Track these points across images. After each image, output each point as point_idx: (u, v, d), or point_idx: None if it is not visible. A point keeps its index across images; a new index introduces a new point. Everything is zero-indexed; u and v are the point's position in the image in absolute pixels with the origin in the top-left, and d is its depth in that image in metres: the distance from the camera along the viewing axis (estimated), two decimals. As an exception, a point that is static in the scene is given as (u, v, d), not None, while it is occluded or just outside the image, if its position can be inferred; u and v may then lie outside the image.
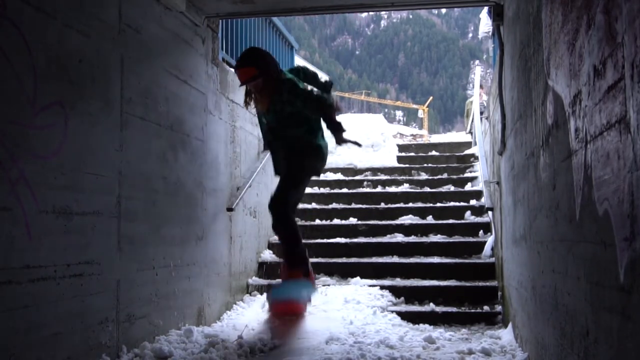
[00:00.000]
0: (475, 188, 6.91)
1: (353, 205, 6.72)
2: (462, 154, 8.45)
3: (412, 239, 5.80)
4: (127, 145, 3.28)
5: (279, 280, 4.58)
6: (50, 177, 2.62)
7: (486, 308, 4.62)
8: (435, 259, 5.38)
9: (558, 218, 2.15)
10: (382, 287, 4.90)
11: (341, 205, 6.71)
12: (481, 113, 7.12)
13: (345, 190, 7.28)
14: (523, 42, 2.99)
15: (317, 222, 6.40)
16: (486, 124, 6.19)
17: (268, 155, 6.01)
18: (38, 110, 2.57)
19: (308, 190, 6.30)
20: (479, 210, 6.22)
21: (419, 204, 6.61)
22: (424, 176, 7.63)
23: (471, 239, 5.71)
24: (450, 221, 6.12)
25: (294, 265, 4.20)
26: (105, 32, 3.10)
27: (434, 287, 4.91)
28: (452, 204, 6.57)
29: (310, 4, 4.48)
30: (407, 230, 5.99)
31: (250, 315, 4.54)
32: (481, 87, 10.51)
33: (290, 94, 4.06)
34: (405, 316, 4.47)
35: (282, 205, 4.16)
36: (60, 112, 2.72)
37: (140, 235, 3.42)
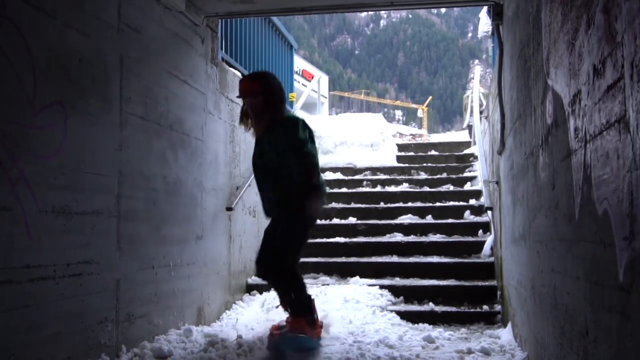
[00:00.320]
0: (474, 187, 6.91)
1: (352, 205, 6.72)
2: (461, 153, 8.45)
3: (412, 238, 5.81)
4: (126, 145, 3.28)
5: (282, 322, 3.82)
6: (50, 177, 2.62)
7: (485, 307, 4.62)
8: (435, 259, 5.39)
9: (557, 217, 2.15)
10: (382, 287, 4.90)
11: (340, 205, 6.72)
12: (480, 112, 7.11)
13: (344, 189, 7.28)
14: (522, 41, 2.99)
15: (317, 221, 6.38)
16: (485, 123, 6.19)
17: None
18: (38, 110, 2.56)
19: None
20: (478, 210, 6.22)
21: (419, 204, 6.61)
22: (423, 176, 7.63)
23: (470, 239, 5.71)
24: (450, 221, 6.13)
25: (297, 312, 3.64)
26: (104, 31, 3.10)
27: (433, 286, 4.91)
28: (451, 203, 6.57)
29: (310, 3, 4.48)
30: (406, 229, 5.99)
31: (249, 314, 4.54)
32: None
33: (287, 133, 3.60)
34: (405, 315, 4.47)
35: (280, 262, 3.62)
36: (60, 112, 2.72)
37: (140, 234, 3.42)
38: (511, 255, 3.79)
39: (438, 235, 5.85)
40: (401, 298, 4.82)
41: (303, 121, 3.70)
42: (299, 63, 22.90)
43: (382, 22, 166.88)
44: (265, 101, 3.67)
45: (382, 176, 7.69)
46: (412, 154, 8.85)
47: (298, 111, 7.69)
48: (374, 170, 7.95)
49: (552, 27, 2.16)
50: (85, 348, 2.86)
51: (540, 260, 2.56)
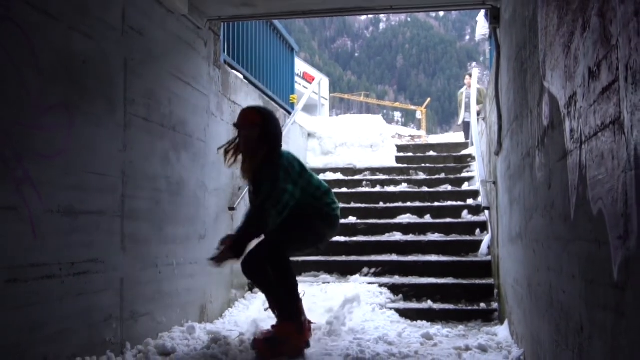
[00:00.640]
0: (472, 188, 6.91)
1: (352, 205, 6.72)
2: (459, 154, 8.45)
3: (411, 237, 5.81)
4: (130, 146, 3.28)
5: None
6: (55, 177, 2.62)
7: (483, 305, 4.61)
8: (433, 257, 5.38)
9: (553, 217, 2.15)
10: (381, 285, 4.90)
11: (341, 205, 6.67)
12: (478, 113, 7.12)
13: (344, 189, 7.28)
14: (519, 44, 2.99)
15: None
16: (483, 124, 6.18)
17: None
18: (43, 111, 2.56)
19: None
20: (475, 210, 6.22)
21: (417, 203, 6.61)
22: (422, 176, 7.63)
23: (468, 238, 5.71)
24: (448, 220, 6.13)
25: (285, 317, 3.40)
26: (109, 34, 3.10)
27: (431, 284, 4.91)
28: (449, 203, 6.57)
29: (310, 7, 4.48)
30: (405, 229, 5.99)
31: (251, 312, 4.54)
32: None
33: (268, 172, 3.36)
34: (404, 313, 4.47)
35: (273, 251, 3.37)
36: (65, 113, 2.72)
37: (144, 234, 3.42)
38: (508, 254, 3.78)
39: (436, 235, 5.85)
40: (400, 296, 4.82)
41: (288, 158, 3.43)
42: (300, 65, 22.92)
43: (382, 25, 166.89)
44: (259, 137, 3.40)
45: (382, 176, 7.69)
46: (411, 154, 8.86)
47: (299, 113, 7.69)
48: (374, 170, 7.95)
49: (549, 31, 2.16)
50: (90, 345, 2.86)
51: (537, 258, 2.55)
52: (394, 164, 8.27)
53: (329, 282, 5.06)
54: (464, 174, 7.48)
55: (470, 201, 6.49)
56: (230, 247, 3.30)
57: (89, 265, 2.86)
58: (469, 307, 4.62)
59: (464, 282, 4.95)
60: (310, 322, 3.59)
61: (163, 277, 3.65)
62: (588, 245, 1.66)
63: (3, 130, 2.32)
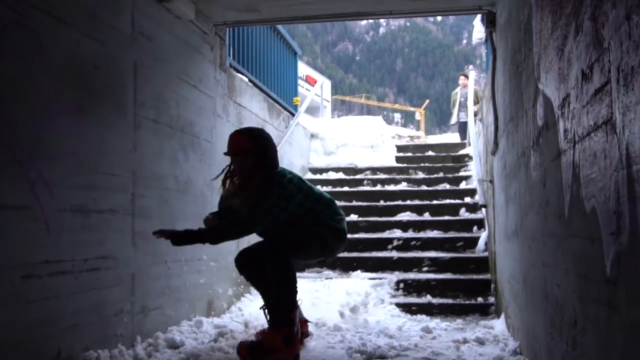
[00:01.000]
0: (469, 186, 6.90)
1: (354, 203, 6.71)
2: (457, 154, 8.43)
3: (410, 234, 5.80)
4: (140, 146, 3.28)
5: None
6: (68, 177, 2.63)
7: (480, 300, 4.61)
8: (432, 254, 5.38)
9: (548, 214, 2.15)
10: (382, 280, 4.89)
11: (343, 203, 6.70)
12: (475, 114, 7.10)
13: (346, 188, 7.28)
14: (514, 47, 2.98)
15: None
16: (480, 125, 6.17)
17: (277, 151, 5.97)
18: (55, 114, 2.57)
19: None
20: (473, 207, 6.21)
21: (417, 202, 6.60)
22: (421, 175, 7.62)
23: (466, 235, 5.70)
24: (446, 218, 6.12)
25: (275, 324, 3.00)
26: (119, 39, 3.10)
27: (430, 280, 4.90)
28: (447, 201, 6.56)
29: (313, 12, 4.48)
30: (405, 226, 5.99)
31: (257, 306, 4.54)
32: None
33: (269, 192, 3.02)
34: (404, 307, 4.47)
35: (277, 249, 3.04)
36: (77, 116, 2.73)
37: (153, 231, 3.42)
38: (504, 250, 3.78)
39: (435, 232, 5.85)
40: (400, 291, 4.82)
41: (281, 182, 3.06)
42: (303, 69, 22.90)
43: (382, 30, 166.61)
44: (253, 164, 3.07)
45: (382, 176, 7.68)
46: (410, 154, 8.85)
47: (302, 114, 7.69)
48: (374, 170, 7.94)
49: (543, 34, 2.16)
50: (102, 338, 2.87)
51: (532, 255, 2.55)
52: (394, 164, 8.27)
53: (331, 278, 5.07)
54: (462, 173, 7.47)
55: (467, 199, 6.48)
56: (173, 233, 3.02)
57: (101, 262, 2.87)
58: (467, 302, 4.62)
59: (462, 277, 4.95)
60: (304, 334, 3.28)
61: (172, 273, 3.66)
62: (581, 241, 1.66)
63: (18, 132, 2.32)
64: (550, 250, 2.13)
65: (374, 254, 5.50)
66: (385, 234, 5.88)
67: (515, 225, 3.14)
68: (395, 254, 5.44)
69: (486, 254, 5.19)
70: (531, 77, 2.44)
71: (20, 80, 2.35)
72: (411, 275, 5.03)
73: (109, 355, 2.84)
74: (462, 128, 9.87)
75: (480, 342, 3.41)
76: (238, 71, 5.33)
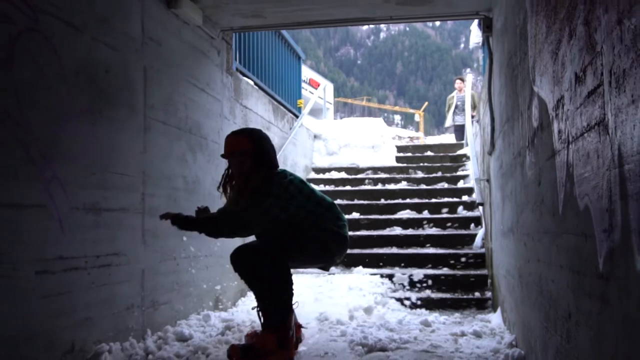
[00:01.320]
0: (467, 185, 6.90)
1: (355, 201, 6.71)
2: (455, 154, 8.43)
3: (410, 231, 5.80)
4: (150, 147, 3.29)
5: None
6: (81, 177, 2.64)
7: (477, 294, 4.61)
8: (431, 250, 5.38)
9: (543, 212, 2.14)
10: (382, 276, 4.90)
11: (345, 201, 6.71)
12: (472, 116, 7.09)
13: (348, 187, 7.28)
14: (510, 51, 2.98)
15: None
16: (477, 126, 6.16)
17: (282, 151, 5.99)
18: (69, 116, 2.58)
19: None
20: (470, 205, 6.20)
21: (416, 200, 6.60)
22: (420, 174, 7.61)
23: (463, 232, 5.70)
24: (444, 215, 6.12)
25: (268, 326, 2.84)
26: (129, 44, 3.11)
27: (429, 275, 4.90)
28: (446, 199, 6.55)
29: (316, 18, 4.48)
30: (405, 223, 5.98)
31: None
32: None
33: (269, 187, 2.88)
34: (404, 302, 4.47)
35: (271, 251, 2.87)
36: (89, 118, 2.73)
37: (163, 229, 3.42)
38: (500, 247, 3.78)
39: (434, 229, 5.84)
40: (400, 286, 4.81)
41: (281, 183, 2.90)
42: (306, 72, 22.89)
43: (382, 35, 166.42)
44: (252, 165, 2.94)
45: (383, 175, 7.68)
46: (410, 154, 8.85)
47: (306, 116, 7.70)
48: (375, 169, 7.94)
49: (538, 38, 2.15)
50: (114, 332, 2.88)
51: (527, 251, 2.55)
52: (394, 164, 8.27)
53: (333, 274, 5.06)
54: (460, 173, 7.47)
55: (465, 198, 6.48)
56: (177, 216, 2.94)
57: (112, 258, 2.88)
58: (464, 296, 4.61)
59: (460, 273, 4.94)
60: (299, 339, 3.10)
61: (181, 269, 3.66)
62: (575, 238, 1.65)
63: (33, 134, 2.33)
64: (545, 246, 2.13)
65: (375, 250, 5.51)
66: (386, 232, 5.87)
67: (511, 222, 3.14)
68: (395, 251, 5.44)
69: (483, 250, 5.19)
70: (526, 79, 2.43)
71: (35, 85, 2.36)
72: (411, 271, 5.03)
73: (120, 348, 2.85)
74: (459, 131, 9.83)
75: (478, 335, 3.41)
76: (244, 75, 5.34)
